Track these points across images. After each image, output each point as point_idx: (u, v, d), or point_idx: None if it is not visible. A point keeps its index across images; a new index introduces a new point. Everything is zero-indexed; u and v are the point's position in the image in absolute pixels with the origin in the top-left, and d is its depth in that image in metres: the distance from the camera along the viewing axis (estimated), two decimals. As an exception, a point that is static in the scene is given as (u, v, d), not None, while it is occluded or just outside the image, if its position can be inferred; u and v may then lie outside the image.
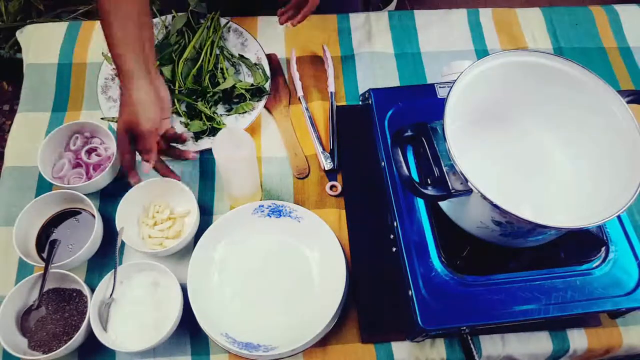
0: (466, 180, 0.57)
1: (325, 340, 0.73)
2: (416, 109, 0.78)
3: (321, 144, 0.88)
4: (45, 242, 0.77)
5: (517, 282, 0.66)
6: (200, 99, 0.88)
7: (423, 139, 0.64)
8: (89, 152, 0.84)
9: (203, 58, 0.90)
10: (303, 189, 0.85)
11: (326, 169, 0.86)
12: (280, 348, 0.69)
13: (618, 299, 0.65)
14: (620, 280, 0.66)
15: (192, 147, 0.85)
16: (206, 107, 0.87)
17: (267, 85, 0.91)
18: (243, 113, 0.88)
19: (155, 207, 0.80)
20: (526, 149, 0.73)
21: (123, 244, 0.80)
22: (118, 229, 0.75)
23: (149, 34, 0.74)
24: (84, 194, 0.77)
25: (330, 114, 0.91)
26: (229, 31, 0.96)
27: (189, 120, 0.87)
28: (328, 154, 0.87)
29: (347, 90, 0.95)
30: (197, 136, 0.86)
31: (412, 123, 0.65)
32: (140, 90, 0.70)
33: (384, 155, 0.75)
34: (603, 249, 0.69)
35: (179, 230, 0.79)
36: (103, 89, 0.90)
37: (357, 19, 1.03)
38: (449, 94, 0.62)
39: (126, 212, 0.77)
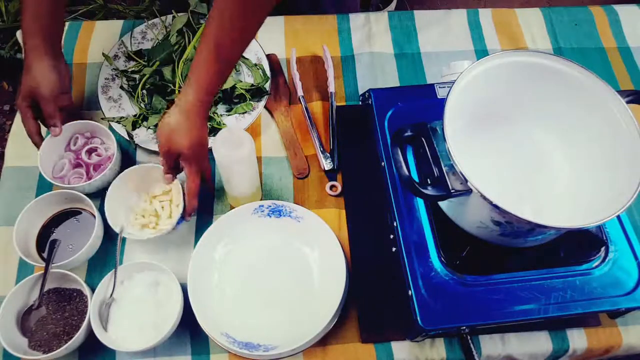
0: (466, 180, 0.57)
1: (325, 340, 0.73)
2: (416, 109, 0.78)
3: (321, 144, 0.88)
4: (46, 242, 0.77)
5: (516, 282, 0.66)
6: (200, 99, 0.88)
7: (423, 139, 0.64)
8: (90, 152, 0.84)
9: (203, 58, 0.90)
10: (303, 189, 0.85)
11: (326, 169, 0.86)
12: (280, 348, 0.69)
13: (617, 298, 0.65)
14: (619, 280, 0.66)
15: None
16: (206, 107, 0.87)
17: (267, 86, 0.91)
18: (243, 113, 0.89)
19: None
20: (526, 149, 0.73)
21: (123, 243, 0.80)
22: (116, 229, 0.75)
23: (60, 25, 0.83)
24: (84, 194, 0.77)
25: (330, 114, 0.91)
26: (229, 31, 0.96)
27: (189, 120, 0.87)
28: (328, 154, 0.87)
29: (347, 90, 0.95)
30: (197, 136, 0.86)
31: (412, 123, 0.65)
32: (42, 62, 0.77)
33: (384, 155, 0.75)
34: (603, 248, 0.69)
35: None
36: (103, 89, 0.90)
37: (357, 19, 1.03)
38: (448, 94, 0.62)
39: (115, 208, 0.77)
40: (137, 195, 0.81)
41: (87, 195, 0.77)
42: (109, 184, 0.81)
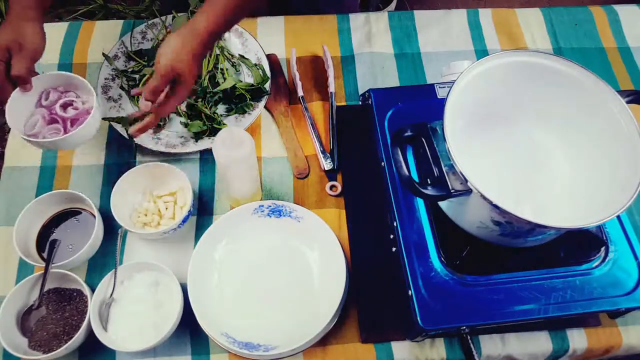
0: (466, 180, 0.57)
1: (325, 340, 0.74)
2: (416, 109, 0.78)
3: (321, 144, 0.88)
4: (46, 242, 0.77)
5: (516, 282, 0.66)
6: (200, 99, 0.88)
7: (423, 139, 0.64)
8: (64, 106, 0.77)
9: (203, 58, 0.90)
10: (303, 189, 0.85)
11: (326, 169, 0.86)
12: (280, 348, 0.69)
13: (617, 298, 0.65)
14: (619, 280, 0.66)
15: (192, 147, 0.85)
16: (206, 107, 0.87)
17: (267, 86, 0.91)
18: (243, 113, 0.89)
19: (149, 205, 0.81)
20: (526, 149, 0.73)
21: (123, 243, 0.80)
22: (122, 224, 0.75)
23: None
24: (65, 149, 0.73)
25: (330, 114, 0.91)
26: (229, 31, 0.96)
27: (189, 120, 0.87)
28: (328, 154, 0.87)
29: (347, 90, 0.95)
30: (197, 136, 0.86)
31: (412, 123, 0.65)
32: (34, 24, 0.75)
33: (384, 155, 0.75)
34: (603, 248, 0.69)
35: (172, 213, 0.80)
36: (103, 89, 0.90)
37: (357, 19, 1.03)
38: (448, 94, 0.62)
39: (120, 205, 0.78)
40: (141, 195, 0.81)
41: (87, 194, 0.77)
42: (88, 139, 0.76)
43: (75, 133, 0.73)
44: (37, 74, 0.77)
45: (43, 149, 0.72)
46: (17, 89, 0.74)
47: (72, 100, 0.77)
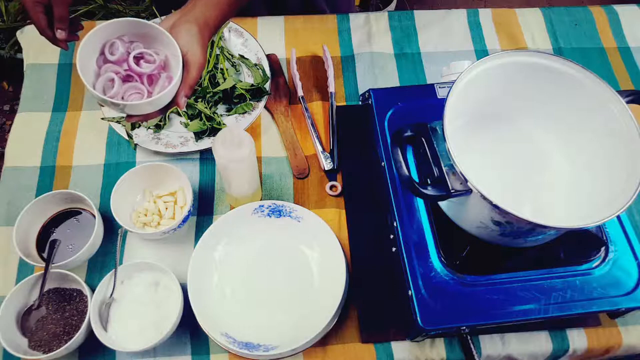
0: (466, 180, 0.57)
1: (325, 340, 0.74)
2: (416, 109, 0.78)
3: (321, 144, 0.88)
4: (46, 242, 0.77)
5: (516, 282, 0.66)
6: (200, 99, 0.88)
7: (423, 139, 0.64)
8: (136, 60, 0.63)
9: (203, 58, 0.90)
10: (303, 189, 0.85)
11: (326, 169, 0.86)
12: (280, 348, 0.69)
13: (617, 298, 0.65)
14: (619, 280, 0.66)
15: (192, 147, 0.85)
16: (206, 107, 0.87)
17: (267, 86, 0.91)
18: (243, 113, 0.89)
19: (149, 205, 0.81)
20: (526, 149, 0.73)
21: (124, 243, 0.80)
22: (122, 225, 0.75)
23: None
24: (150, 111, 0.62)
25: (330, 114, 0.91)
26: (229, 31, 0.96)
27: (189, 120, 0.87)
28: (328, 154, 0.87)
29: (347, 90, 0.95)
30: (197, 136, 0.86)
31: (412, 123, 0.65)
32: None
33: (384, 155, 0.75)
34: (603, 248, 0.69)
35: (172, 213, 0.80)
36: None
37: (357, 19, 1.03)
38: (448, 94, 0.62)
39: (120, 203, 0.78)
40: (141, 195, 0.81)
41: (87, 194, 0.77)
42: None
43: (165, 94, 0.59)
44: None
45: (125, 113, 0.63)
46: (81, 48, 0.61)
47: (142, 53, 0.63)
